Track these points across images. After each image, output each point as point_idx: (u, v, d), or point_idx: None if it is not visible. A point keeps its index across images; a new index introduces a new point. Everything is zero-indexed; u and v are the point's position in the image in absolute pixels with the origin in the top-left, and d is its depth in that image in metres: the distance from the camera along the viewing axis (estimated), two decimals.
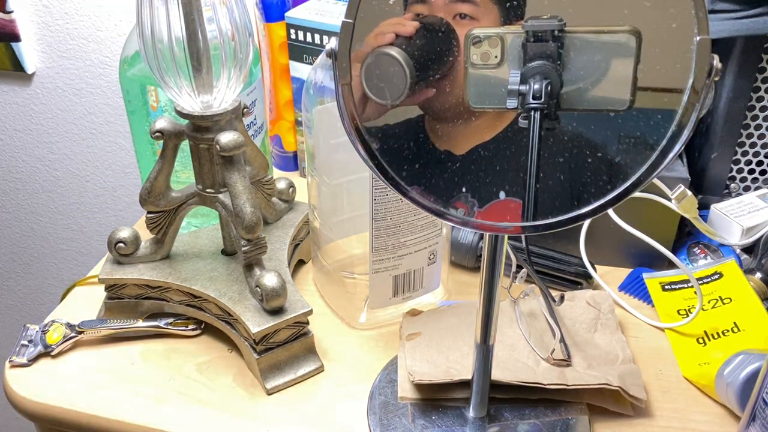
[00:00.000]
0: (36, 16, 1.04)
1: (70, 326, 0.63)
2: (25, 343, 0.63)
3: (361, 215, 0.60)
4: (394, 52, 0.40)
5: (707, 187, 0.77)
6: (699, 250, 0.72)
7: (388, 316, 0.66)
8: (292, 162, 0.91)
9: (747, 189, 0.77)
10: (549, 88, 0.39)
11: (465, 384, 0.55)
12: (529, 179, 0.40)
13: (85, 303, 0.68)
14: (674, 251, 0.70)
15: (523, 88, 0.39)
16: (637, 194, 0.41)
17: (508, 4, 0.39)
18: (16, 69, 1.07)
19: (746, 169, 0.76)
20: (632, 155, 0.40)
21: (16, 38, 1.04)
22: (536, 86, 0.39)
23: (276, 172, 0.90)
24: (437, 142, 0.42)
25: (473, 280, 0.71)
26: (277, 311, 0.58)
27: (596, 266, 0.70)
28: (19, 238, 1.29)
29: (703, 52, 0.37)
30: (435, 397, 0.56)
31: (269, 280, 0.57)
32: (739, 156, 0.75)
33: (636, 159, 0.40)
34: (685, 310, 0.65)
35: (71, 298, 0.70)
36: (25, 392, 0.59)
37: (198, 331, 0.65)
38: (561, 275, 0.69)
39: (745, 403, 0.51)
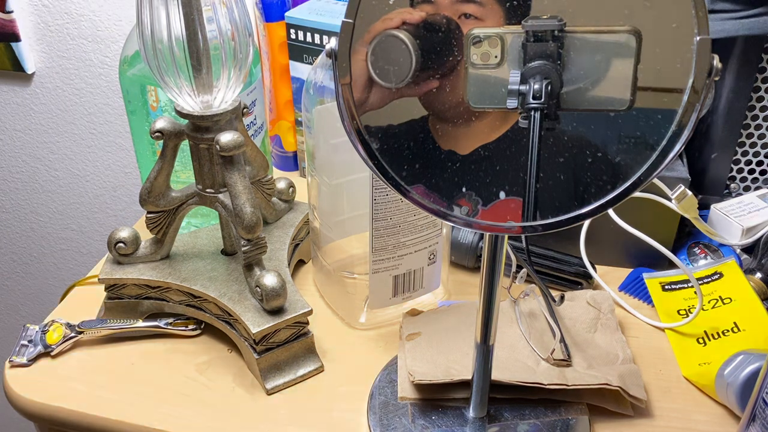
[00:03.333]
0: (36, 16, 1.04)
1: (70, 326, 0.63)
2: (25, 343, 0.63)
3: (361, 215, 0.60)
4: (401, 34, 0.40)
5: (707, 187, 0.77)
6: (699, 250, 0.72)
7: (388, 316, 0.66)
8: (292, 162, 0.91)
9: (747, 189, 0.77)
10: (549, 88, 0.39)
11: (465, 384, 0.55)
12: (529, 179, 0.40)
13: (85, 303, 0.68)
14: (674, 251, 0.70)
15: (523, 88, 0.39)
16: (637, 194, 0.41)
17: (508, 4, 0.39)
18: (16, 69, 1.07)
19: (746, 169, 0.76)
20: (632, 155, 0.40)
21: (16, 38, 1.04)
22: (536, 86, 0.39)
23: (276, 172, 0.90)
24: (441, 142, 0.42)
25: (473, 280, 0.71)
26: (277, 311, 0.58)
27: (596, 266, 0.70)
28: (19, 238, 1.29)
29: (703, 52, 0.37)
30: (435, 397, 0.56)
31: (269, 280, 0.57)
32: (739, 156, 0.75)
33: (636, 159, 0.40)
34: (685, 310, 0.65)
35: (71, 298, 0.70)
36: (25, 392, 0.59)
37: (198, 331, 0.65)
38: (561, 275, 0.69)
39: (745, 403, 0.51)
